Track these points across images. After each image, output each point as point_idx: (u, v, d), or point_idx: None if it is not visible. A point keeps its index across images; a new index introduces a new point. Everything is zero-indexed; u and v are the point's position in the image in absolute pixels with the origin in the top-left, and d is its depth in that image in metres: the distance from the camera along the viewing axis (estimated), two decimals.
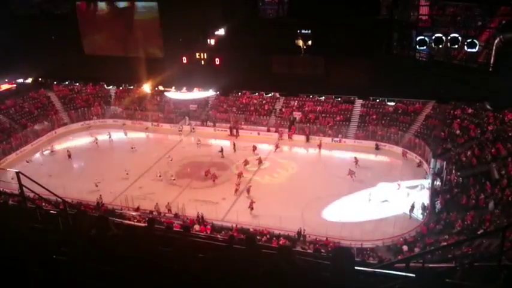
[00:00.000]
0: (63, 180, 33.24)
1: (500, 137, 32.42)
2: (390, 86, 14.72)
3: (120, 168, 37.98)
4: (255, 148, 41.42)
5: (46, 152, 43.16)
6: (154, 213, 31.84)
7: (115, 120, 49.94)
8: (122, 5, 16.53)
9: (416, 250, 25.72)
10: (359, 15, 13.10)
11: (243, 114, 47.55)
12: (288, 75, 15.18)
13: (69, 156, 41.19)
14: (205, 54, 16.06)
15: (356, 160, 38.26)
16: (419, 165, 38.08)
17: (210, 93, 39.55)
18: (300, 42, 14.75)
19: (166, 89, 32.58)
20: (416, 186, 34.42)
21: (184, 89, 31.14)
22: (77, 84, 47.00)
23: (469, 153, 33.40)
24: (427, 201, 31.79)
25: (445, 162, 34.16)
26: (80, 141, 45.86)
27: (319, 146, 42.14)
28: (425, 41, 13.16)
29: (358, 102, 44.58)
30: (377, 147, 41.53)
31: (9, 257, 4.70)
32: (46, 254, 4.95)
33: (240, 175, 36.57)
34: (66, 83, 42.35)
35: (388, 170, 37.75)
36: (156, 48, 16.30)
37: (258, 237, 26.67)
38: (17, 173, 8.04)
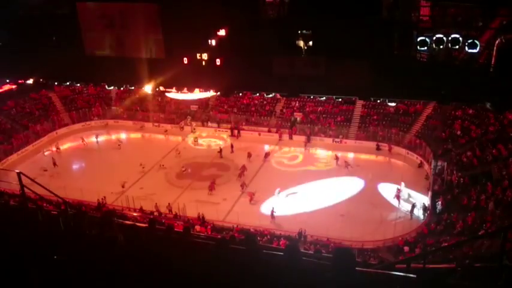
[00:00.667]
0: (63, 181, 33.29)
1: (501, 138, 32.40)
2: (391, 87, 14.74)
3: (121, 168, 38.06)
4: (249, 155, 40.27)
5: (47, 153, 43.15)
6: (155, 213, 31.84)
7: (116, 121, 49.97)
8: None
9: (417, 251, 25.68)
10: (360, 16, 13.11)
11: (244, 115, 47.54)
12: (289, 75, 15.19)
13: (54, 164, 39.30)
14: (206, 55, 16.09)
15: (337, 157, 39.19)
16: (420, 165, 38.05)
17: (211, 93, 39.55)
18: (301, 43, 14.78)
19: (167, 89, 32.61)
20: (417, 188, 34.37)
21: (185, 89, 31.22)
22: (78, 85, 47.01)
23: (469, 153, 33.36)
24: (428, 202, 31.76)
25: (445, 163, 34.12)
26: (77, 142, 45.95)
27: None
28: (426, 41, 13.18)
29: (359, 103, 44.54)
30: (378, 148, 41.50)
31: (10, 257, 4.70)
32: (47, 254, 4.96)
33: (243, 170, 37.02)
34: (67, 83, 42.33)
35: (389, 170, 37.70)
36: (157, 49, 16.32)
37: (258, 238, 26.64)
38: (18, 174, 8.05)
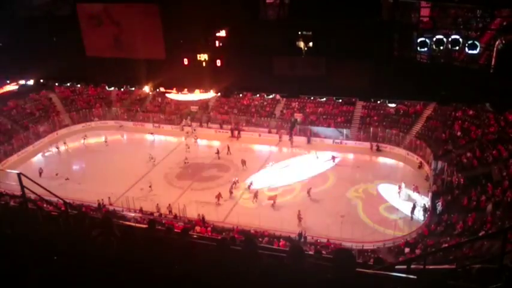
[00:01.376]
0: (64, 181, 33.33)
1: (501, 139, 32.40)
2: (391, 88, 14.73)
3: (121, 169, 38.07)
4: (244, 162, 39.26)
5: (48, 154, 43.21)
6: (155, 214, 31.86)
7: (116, 122, 50.01)
8: None
9: (418, 252, 25.68)
10: (360, 16, 13.12)
11: (244, 116, 47.55)
12: (289, 76, 15.18)
13: (40, 174, 36.71)
14: (206, 56, 16.08)
15: (333, 158, 39.34)
16: (421, 166, 38.05)
17: (211, 94, 39.54)
18: (301, 44, 14.76)
19: (167, 90, 32.61)
20: (417, 189, 34.37)
21: (185, 90, 31.19)
22: (78, 85, 47.00)
23: (470, 154, 33.35)
24: (428, 203, 31.75)
25: (446, 164, 34.12)
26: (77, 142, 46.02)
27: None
28: (426, 42, 13.17)
29: (359, 104, 44.55)
30: (378, 149, 41.50)
31: (10, 258, 4.70)
32: (47, 255, 4.96)
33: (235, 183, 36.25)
34: (68, 84, 42.32)
35: (389, 171, 37.71)
36: (157, 49, 16.31)
37: (259, 239, 26.63)
38: (19, 175, 8.04)
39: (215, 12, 15.15)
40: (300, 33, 14.66)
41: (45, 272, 4.64)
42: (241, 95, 45.86)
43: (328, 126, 44.34)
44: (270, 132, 45.53)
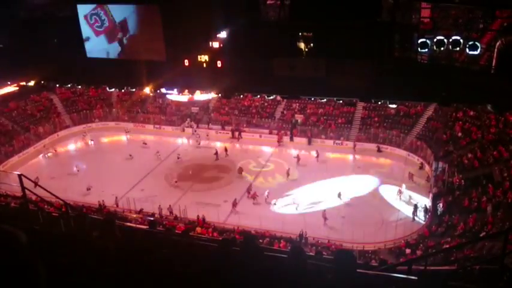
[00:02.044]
0: (65, 182, 33.31)
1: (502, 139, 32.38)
2: (392, 88, 14.74)
3: (120, 170, 38.12)
4: (240, 170, 38.15)
5: (49, 155, 43.22)
6: (156, 215, 31.84)
7: (117, 123, 50.01)
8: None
9: (419, 253, 25.64)
10: (360, 17, 13.13)
11: (245, 117, 47.56)
12: (289, 77, 15.19)
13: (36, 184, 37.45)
14: (207, 57, 16.10)
15: (298, 158, 39.45)
16: (421, 167, 38.01)
17: (212, 95, 39.59)
18: (302, 45, 14.79)
19: (168, 91, 32.66)
20: (418, 190, 34.35)
21: (186, 91, 31.26)
22: (79, 87, 47.09)
23: (470, 155, 33.33)
24: (429, 204, 31.72)
25: (447, 165, 34.09)
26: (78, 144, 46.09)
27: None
28: (427, 43, 13.18)
29: (360, 105, 44.50)
30: (379, 150, 41.48)
31: (11, 259, 4.70)
32: (48, 256, 4.96)
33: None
34: (69, 85, 42.40)
35: (390, 172, 37.67)
36: (158, 51, 16.34)
37: (260, 240, 26.61)
38: (19, 176, 8.05)
39: (216, 14, 15.18)
40: (300, 34, 14.69)
41: (46, 273, 4.64)
42: (241, 96, 45.95)
43: (329, 127, 44.34)
44: (270, 133, 45.52)
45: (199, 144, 44.77)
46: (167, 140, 46.66)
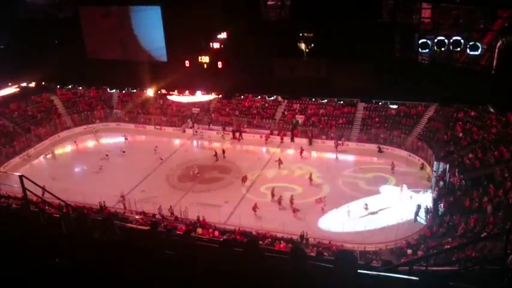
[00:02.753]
0: (65, 183, 33.37)
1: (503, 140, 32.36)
2: (393, 89, 14.73)
3: (120, 171, 38.08)
4: (244, 179, 36.84)
5: (49, 156, 43.26)
6: (157, 216, 31.85)
7: (118, 124, 50.06)
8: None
9: (420, 253, 25.62)
10: (361, 17, 13.12)
11: (246, 118, 47.58)
12: (290, 78, 15.19)
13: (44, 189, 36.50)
14: (207, 58, 16.10)
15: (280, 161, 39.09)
16: (422, 168, 37.99)
17: (213, 96, 39.58)
18: (303, 45, 14.77)
19: (168, 92, 32.65)
20: (419, 190, 34.32)
21: (186, 92, 31.24)
22: (80, 88, 47.15)
23: (471, 155, 33.30)
24: (430, 204, 31.69)
25: (448, 165, 34.06)
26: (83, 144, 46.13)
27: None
28: (428, 43, 13.17)
29: (361, 105, 44.55)
30: (380, 150, 41.47)
31: (12, 260, 4.71)
32: (48, 257, 4.96)
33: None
34: (69, 86, 42.46)
35: (390, 173, 37.64)
36: (159, 51, 16.34)
37: (260, 241, 26.62)
38: (20, 177, 8.05)
39: (216, 14, 15.18)
40: (301, 34, 14.67)
41: (47, 274, 4.64)
42: (242, 96, 45.99)
43: (330, 127, 44.34)
44: (271, 133, 45.51)
45: (200, 144, 44.80)
46: (168, 140, 46.69)
